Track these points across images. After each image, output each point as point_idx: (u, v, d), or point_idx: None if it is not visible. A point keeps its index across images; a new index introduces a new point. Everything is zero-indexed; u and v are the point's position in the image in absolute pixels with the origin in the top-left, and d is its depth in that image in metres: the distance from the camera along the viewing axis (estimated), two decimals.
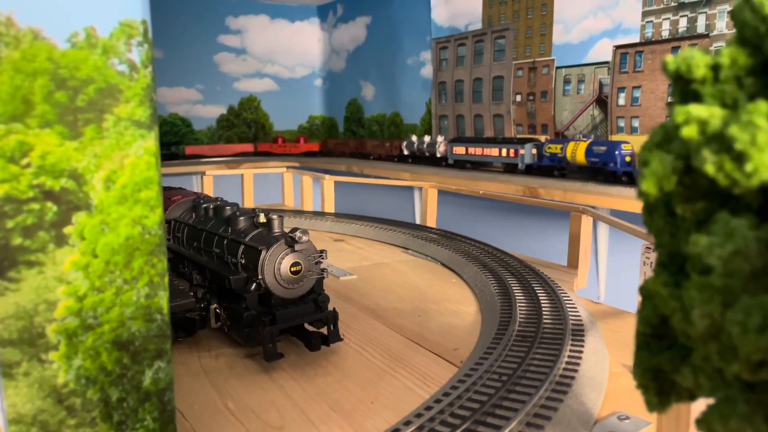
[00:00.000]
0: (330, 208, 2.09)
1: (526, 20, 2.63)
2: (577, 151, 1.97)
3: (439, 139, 2.71)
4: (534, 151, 2.20)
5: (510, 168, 2.31)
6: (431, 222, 1.86)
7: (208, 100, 3.90)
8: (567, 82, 2.47)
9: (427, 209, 1.85)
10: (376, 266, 1.36)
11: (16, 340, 0.41)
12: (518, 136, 2.62)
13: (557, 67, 2.49)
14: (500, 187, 2.06)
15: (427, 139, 2.77)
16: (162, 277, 0.46)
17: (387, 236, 1.63)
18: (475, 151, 2.46)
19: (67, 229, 0.41)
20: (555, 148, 2.08)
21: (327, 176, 2.05)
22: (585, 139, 2.03)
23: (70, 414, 0.43)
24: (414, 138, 2.87)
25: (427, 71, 3.23)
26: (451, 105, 3.08)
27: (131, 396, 0.45)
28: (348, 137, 3.80)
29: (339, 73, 4.09)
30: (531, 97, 2.60)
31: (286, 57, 4.15)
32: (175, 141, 3.72)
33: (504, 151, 2.31)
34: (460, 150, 2.55)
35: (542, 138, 2.42)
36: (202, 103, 3.88)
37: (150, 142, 0.44)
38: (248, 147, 3.85)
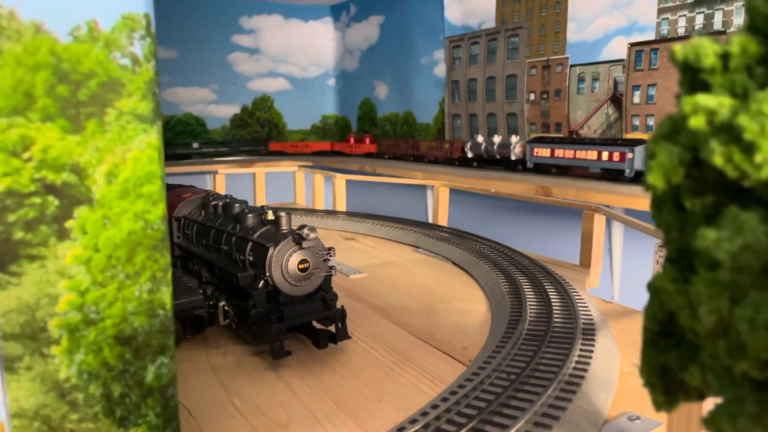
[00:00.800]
0: (341, 206, 2.09)
1: (539, 18, 2.61)
2: None
3: (514, 139, 2.38)
4: None
5: (612, 175, 1.96)
6: (443, 221, 1.85)
7: (222, 100, 3.92)
8: (581, 80, 2.45)
9: (439, 208, 1.84)
10: (386, 265, 1.35)
11: (18, 335, 0.41)
12: (629, 136, 2.27)
13: (571, 65, 2.47)
14: (512, 186, 2.05)
15: (497, 139, 2.44)
16: (165, 273, 0.45)
17: (398, 235, 1.63)
18: (565, 153, 2.13)
19: (68, 224, 0.41)
20: None
21: (338, 175, 2.05)
22: None
23: (73, 409, 0.43)
24: (480, 138, 2.55)
25: (440, 70, 3.22)
26: (464, 104, 3.07)
27: (134, 391, 0.45)
28: (363, 135, 3.78)
29: (352, 72, 4.09)
30: (545, 96, 2.58)
31: (299, 56, 4.15)
32: (266, 138, 3.77)
33: (605, 155, 1.98)
34: (543, 152, 2.22)
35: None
36: (216, 103, 3.90)
37: (152, 136, 0.44)
38: (326, 145, 3.80)
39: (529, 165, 2.30)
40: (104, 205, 0.42)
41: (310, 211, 2.00)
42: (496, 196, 1.89)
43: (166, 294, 0.45)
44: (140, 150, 0.43)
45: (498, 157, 2.42)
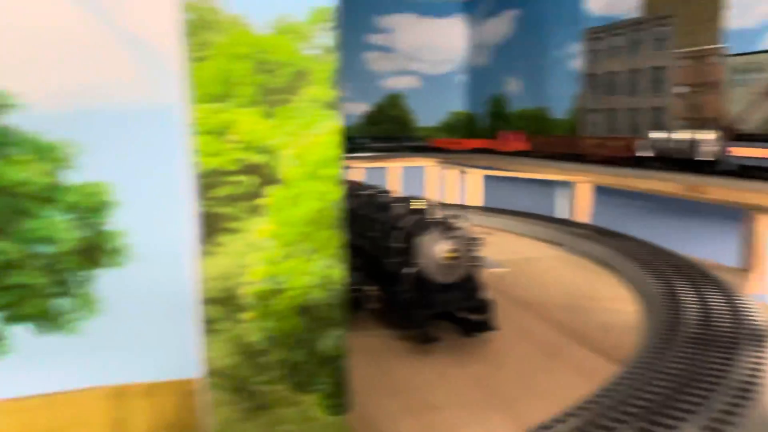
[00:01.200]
0: (476, 201, 2.08)
1: (691, 5, 2.44)
2: None
3: (705, 135, 1.96)
4: None
5: None
6: (584, 219, 1.79)
7: (356, 98, 4.05)
8: (739, 71, 2.26)
9: (580, 206, 1.78)
10: (525, 260, 1.33)
11: (217, 299, 0.45)
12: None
13: (728, 56, 2.28)
14: (659, 186, 1.93)
15: (682, 135, 2.05)
16: (341, 251, 0.48)
17: (537, 231, 1.60)
18: None
19: (261, 201, 0.45)
20: None
21: (474, 170, 2.04)
22: None
23: (259, 371, 0.47)
24: (659, 134, 2.17)
25: (577, 64, 3.10)
26: (603, 98, 2.94)
27: (311, 360, 0.48)
28: (514, 132, 3.73)
29: (482, 68, 4.06)
30: (696, 89, 2.41)
31: (430, 53, 4.19)
32: (422, 135, 3.91)
33: None
34: (748, 152, 1.83)
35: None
36: (350, 100, 4.03)
37: (335, 122, 0.46)
38: (479, 143, 3.74)
39: (726, 167, 1.88)
40: (292, 185, 0.46)
41: (444, 206, 2.02)
42: (642, 195, 1.80)
43: (341, 270, 0.48)
44: (325, 135, 0.46)
45: (687, 157, 2.01)
